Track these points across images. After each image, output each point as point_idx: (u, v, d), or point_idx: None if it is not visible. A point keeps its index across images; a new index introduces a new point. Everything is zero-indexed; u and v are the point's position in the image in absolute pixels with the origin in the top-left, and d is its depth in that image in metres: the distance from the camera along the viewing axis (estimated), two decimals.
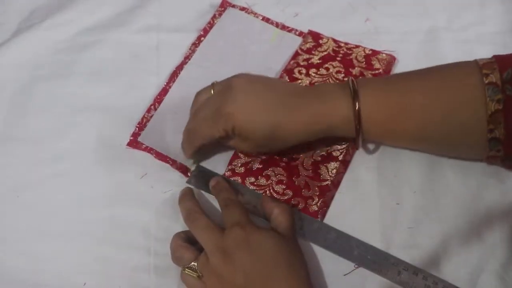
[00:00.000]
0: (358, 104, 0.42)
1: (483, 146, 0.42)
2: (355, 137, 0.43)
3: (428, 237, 0.44)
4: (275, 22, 0.57)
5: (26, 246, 0.45)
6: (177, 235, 0.43)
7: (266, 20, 0.57)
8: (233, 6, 0.58)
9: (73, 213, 0.46)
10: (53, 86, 0.53)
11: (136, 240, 0.45)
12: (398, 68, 0.54)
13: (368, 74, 0.52)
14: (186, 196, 0.45)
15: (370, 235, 0.45)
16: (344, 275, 0.43)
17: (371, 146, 0.48)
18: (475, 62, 0.42)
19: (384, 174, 0.48)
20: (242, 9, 0.58)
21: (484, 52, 0.54)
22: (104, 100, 0.52)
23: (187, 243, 0.42)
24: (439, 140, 0.44)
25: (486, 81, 0.40)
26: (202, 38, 0.56)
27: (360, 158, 0.48)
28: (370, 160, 0.48)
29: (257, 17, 0.58)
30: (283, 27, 0.57)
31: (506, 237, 0.44)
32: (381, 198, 0.47)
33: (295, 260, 0.40)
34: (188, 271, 0.40)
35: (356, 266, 0.43)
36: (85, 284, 0.43)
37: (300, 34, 0.56)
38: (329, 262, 0.44)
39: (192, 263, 0.40)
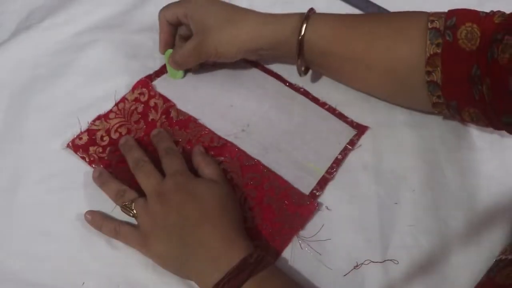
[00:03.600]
0: (305, 22, 0.46)
1: (424, 89, 0.44)
2: (296, 54, 0.47)
3: (428, 236, 0.44)
4: None
5: (25, 246, 0.44)
6: (116, 180, 0.46)
7: None
8: None
9: (72, 213, 0.46)
10: (52, 86, 0.53)
11: None
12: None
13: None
14: (132, 146, 0.47)
15: (369, 234, 0.45)
16: (344, 275, 0.43)
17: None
18: (427, 12, 0.45)
19: (382, 173, 0.48)
20: None
21: None
22: (103, 100, 0.52)
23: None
24: (382, 72, 0.46)
25: (430, 26, 0.43)
26: None
27: (357, 157, 0.49)
28: (368, 159, 0.48)
29: None
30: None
31: (506, 236, 0.44)
32: (379, 198, 0.47)
33: (227, 202, 0.43)
34: (124, 210, 0.43)
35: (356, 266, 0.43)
36: (84, 283, 0.43)
37: None
38: (329, 262, 0.44)
39: (131, 203, 0.43)
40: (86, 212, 0.45)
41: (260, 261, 0.39)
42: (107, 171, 0.47)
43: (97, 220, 0.45)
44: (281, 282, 0.40)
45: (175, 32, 0.53)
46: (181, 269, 0.41)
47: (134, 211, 0.43)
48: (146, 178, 0.44)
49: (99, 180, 0.46)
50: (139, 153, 0.46)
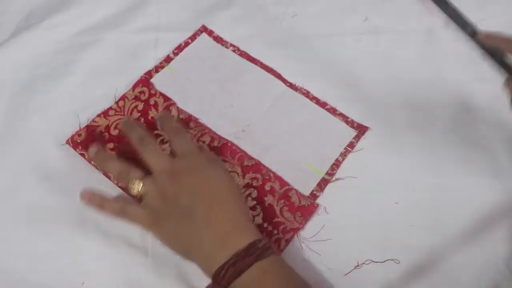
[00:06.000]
0: None
1: None
2: None
3: (428, 236, 0.44)
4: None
5: (25, 246, 0.44)
6: (119, 160, 0.43)
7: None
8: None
9: (72, 213, 0.46)
10: (52, 86, 0.53)
11: (134, 239, 0.45)
12: (395, 74, 0.54)
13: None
14: (135, 123, 0.46)
15: (370, 234, 0.45)
16: (344, 275, 0.43)
17: None
18: None
19: (382, 173, 0.48)
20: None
21: None
22: (104, 100, 0.52)
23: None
24: None
25: None
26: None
27: (357, 158, 0.49)
28: (368, 159, 0.48)
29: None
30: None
31: (507, 236, 0.44)
32: (379, 198, 0.47)
33: (237, 191, 0.43)
34: (130, 189, 0.41)
35: (356, 266, 0.43)
36: (83, 283, 0.43)
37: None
38: (329, 262, 0.44)
39: (138, 182, 0.41)
40: (82, 193, 0.43)
41: (267, 248, 0.39)
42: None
43: (98, 198, 0.43)
44: (285, 271, 0.39)
45: None
46: (187, 250, 0.40)
47: (141, 191, 0.41)
48: (155, 156, 0.42)
49: (98, 157, 0.44)
50: (142, 130, 0.44)
